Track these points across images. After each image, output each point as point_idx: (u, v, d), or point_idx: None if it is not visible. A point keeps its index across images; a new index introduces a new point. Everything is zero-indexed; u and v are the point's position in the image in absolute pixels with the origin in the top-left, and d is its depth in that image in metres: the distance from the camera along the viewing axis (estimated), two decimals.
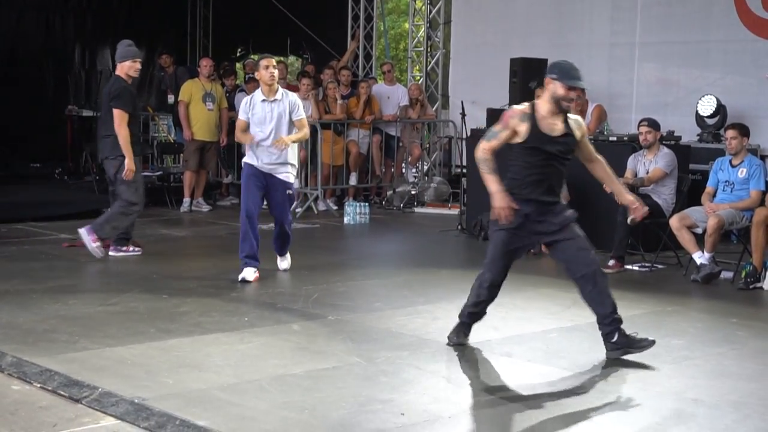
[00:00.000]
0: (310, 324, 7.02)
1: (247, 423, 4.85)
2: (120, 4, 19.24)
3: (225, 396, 5.25)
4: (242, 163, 8.90)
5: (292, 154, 8.81)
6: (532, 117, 6.20)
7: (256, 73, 8.73)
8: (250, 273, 8.49)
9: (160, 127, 16.40)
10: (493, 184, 6.15)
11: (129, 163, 9.46)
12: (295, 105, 8.75)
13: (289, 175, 8.82)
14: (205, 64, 13.92)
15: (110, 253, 9.61)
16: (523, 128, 6.18)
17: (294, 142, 8.75)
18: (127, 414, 4.92)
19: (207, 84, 13.68)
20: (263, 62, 8.67)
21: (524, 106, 6.32)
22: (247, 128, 8.72)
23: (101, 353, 6.04)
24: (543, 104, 6.26)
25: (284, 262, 9.14)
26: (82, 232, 9.38)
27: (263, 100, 8.68)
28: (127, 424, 4.83)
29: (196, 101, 13.45)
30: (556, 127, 6.23)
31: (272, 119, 8.63)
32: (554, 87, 6.22)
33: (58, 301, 7.48)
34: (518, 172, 6.30)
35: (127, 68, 9.65)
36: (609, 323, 6.19)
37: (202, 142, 13.50)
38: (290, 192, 8.94)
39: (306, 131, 8.93)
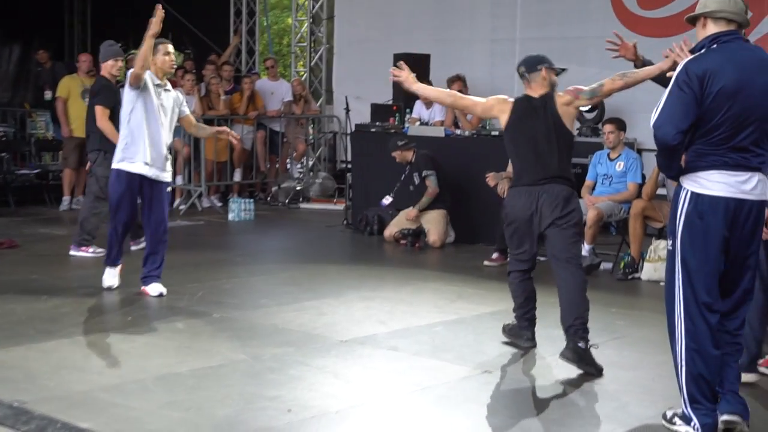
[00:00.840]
0: (195, 322, 6.95)
1: (132, 424, 4.77)
2: None
3: (108, 397, 5.15)
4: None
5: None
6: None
7: (152, 60, 7.81)
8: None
9: (37, 124, 15.98)
10: None
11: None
12: (181, 99, 8.14)
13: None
14: (84, 60, 13.53)
15: (71, 252, 9.56)
16: None
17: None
18: (6, 418, 4.79)
19: (86, 80, 13.35)
20: (162, 47, 7.91)
21: None
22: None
23: None
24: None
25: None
26: (73, 254, 9.51)
27: (158, 85, 7.83)
28: (7, 428, 4.70)
29: (74, 97, 13.13)
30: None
31: (169, 111, 7.88)
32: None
33: None
34: None
35: (110, 67, 9.78)
36: None
37: (81, 138, 13.18)
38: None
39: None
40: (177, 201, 13.70)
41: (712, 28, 4.76)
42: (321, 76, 17.36)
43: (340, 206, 13.33)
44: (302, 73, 17.32)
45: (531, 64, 6.60)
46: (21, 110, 16.59)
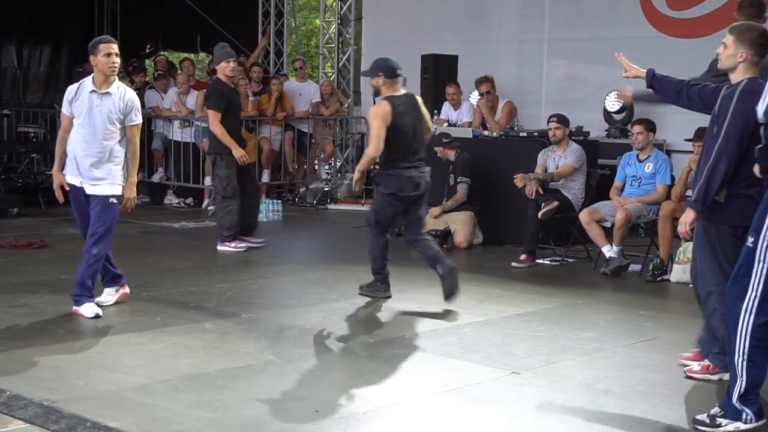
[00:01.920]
0: (223, 322, 6.97)
1: (160, 423, 4.79)
2: (25, 1, 18.84)
3: (137, 397, 5.18)
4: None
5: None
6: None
7: (91, 59, 7.02)
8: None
9: None
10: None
11: (237, 152, 10.00)
12: (132, 107, 7.14)
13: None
14: None
15: (218, 248, 10.12)
16: None
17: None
18: (36, 417, 4.83)
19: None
20: (104, 47, 7.03)
21: None
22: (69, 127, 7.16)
23: (9, 356, 5.91)
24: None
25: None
26: (219, 248, 10.10)
27: (92, 92, 7.07)
28: (37, 428, 4.73)
29: None
30: None
31: (100, 116, 7.04)
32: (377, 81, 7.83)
33: None
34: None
35: (224, 69, 10.11)
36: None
37: None
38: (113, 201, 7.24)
39: (136, 148, 7.25)
40: (206, 202, 13.76)
41: None
42: (349, 77, 17.37)
43: (368, 207, 13.30)
44: (330, 74, 17.34)
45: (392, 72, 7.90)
46: (51, 111, 16.71)
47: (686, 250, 8.59)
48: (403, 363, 6.06)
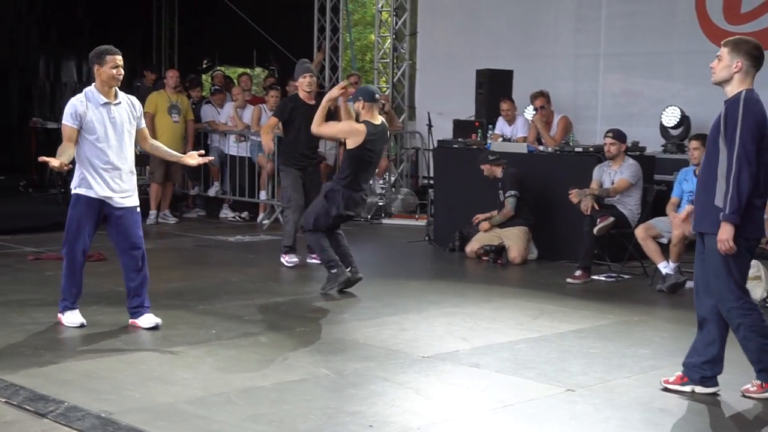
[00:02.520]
0: (278, 336, 7.00)
1: None
2: (85, 16, 19.13)
3: (192, 409, 5.22)
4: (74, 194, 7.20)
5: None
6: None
7: (96, 69, 7.01)
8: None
9: None
10: None
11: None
12: (140, 109, 7.36)
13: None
14: (171, 75, 13.79)
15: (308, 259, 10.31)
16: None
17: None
18: (94, 428, 4.88)
19: (173, 96, 13.59)
20: (111, 59, 6.98)
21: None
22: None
23: (67, 367, 6.00)
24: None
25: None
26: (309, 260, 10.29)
27: (105, 104, 7.06)
28: None
29: (161, 113, 13.36)
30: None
31: (120, 127, 7.11)
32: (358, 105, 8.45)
33: (23, 315, 7.41)
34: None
35: (300, 84, 10.28)
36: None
37: None
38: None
39: (155, 141, 7.90)
40: (261, 215, 13.84)
41: None
42: (403, 92, 17.40)
43: (422, 222, 13.32)
44: (385, 89, 17.37)
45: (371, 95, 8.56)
46: None
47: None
48: (457, 379, 6.04)
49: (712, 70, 5.65)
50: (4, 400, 5.35)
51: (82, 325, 7.06)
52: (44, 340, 6.63)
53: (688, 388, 5.73)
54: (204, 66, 21.28)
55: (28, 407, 5.21)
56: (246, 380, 5.82)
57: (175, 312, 7.70)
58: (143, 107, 12.78)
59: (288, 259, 10.09)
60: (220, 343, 6.72)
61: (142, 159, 14.69)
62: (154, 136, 12.83)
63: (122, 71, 7.05)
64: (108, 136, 7.05)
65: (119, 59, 7.03)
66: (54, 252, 10.21)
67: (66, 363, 6.08)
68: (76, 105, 7.02)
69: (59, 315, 7.17)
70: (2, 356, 6.21)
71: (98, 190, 7.06)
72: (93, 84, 7.10)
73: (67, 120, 7.02)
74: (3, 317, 7.32)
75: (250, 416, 5.14)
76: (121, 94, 7.20)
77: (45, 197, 15.18)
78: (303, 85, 10.16)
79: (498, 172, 10.84)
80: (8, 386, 5.50)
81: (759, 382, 5.67)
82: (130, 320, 7.18)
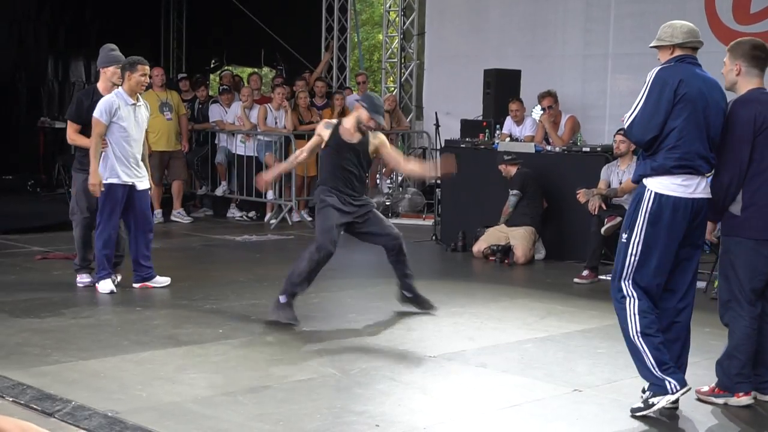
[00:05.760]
0: (285, 335, 7.00)
1: None
2: (93, 16, 19.15)
3: (199, 409, 5.22)
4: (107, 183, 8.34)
5: None
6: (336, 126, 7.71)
7: (127, 75, 8.28)
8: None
9: None
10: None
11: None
12: (147, 113, 8.64)
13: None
14: (156, 74, 13.20)
15: None
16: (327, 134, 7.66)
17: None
18: (101, 427, 4.89)
19: (161, 93, 13.44)
20: (141, 68, 8.31)
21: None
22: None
23: (74, 366, 6.00)
24: (349, 120, 7.78)
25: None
26: None
27: (131, 105, 8.37)
28: None
29: (153, 113, 13.18)
30: (353, 137, 7.64)
31: (141, 124, 8.52)
32: (360, 113, 7.63)
33: (30, 314, 7.43)
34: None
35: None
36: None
37: (161, 153, 13.29)
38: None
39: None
40: (268, 215, 13.85)
41: (678, 53, 5.52)
42: (411, 91, 17.40)
43: (429, 222, 13.32)
44: (392, 88, 17.38)
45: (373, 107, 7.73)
46: None
47: None
48: (464, 379, 6.04)
49: (725, 77, 5.69)
50: (11, 399, 5.36)
51: (111, 292, 8.25)
52: (51, 340, 6.64)
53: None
54: (212, 66, 21.30)
55: (35, 406, 5.22)
56: (253, 380, 5.83)
57: (182, 311, 7.72)
58: None
59: None
60: (227, 343, 6.72)
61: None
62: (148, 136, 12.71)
63: (148, 80, 8.47)
64: (134, 132, 8.35)
65: (147, 69, 8.39)
66: (61, 251, 10.25)
67: (73, 362, 6.09)
68: (111, 103, 8.23)
69: (96, 285, 8.34)
70: (9, 355, 6.22)
71: (125, 178, 8.30)
72: (119, 87, 8.34)
73: (102, 116, 8.19)
74: (10, 317, 7.34)
75: (257, 415, 5.14)
76: (140, 98, 8.46)
77: (52, 197, 15.21)
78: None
79: (512, 171, 10.84)
80: (15, 385, 5.52)
81: None
82: (142, 283, 8.51)
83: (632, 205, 5.42)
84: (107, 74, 8.71)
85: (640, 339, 5.30)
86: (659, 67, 5.55)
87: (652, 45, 5.69)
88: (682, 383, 5.26)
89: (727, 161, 5.43)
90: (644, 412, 5.26)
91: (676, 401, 5.28)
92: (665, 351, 5.31)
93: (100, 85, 8.71)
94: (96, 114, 8.21)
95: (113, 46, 8.96)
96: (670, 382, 5.21)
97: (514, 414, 5.34)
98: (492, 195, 11.11)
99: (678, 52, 5.53)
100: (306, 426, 5.00)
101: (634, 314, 5.34)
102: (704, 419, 5.36)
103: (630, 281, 5.38)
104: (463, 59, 15.31)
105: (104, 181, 8.24)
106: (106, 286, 8.29)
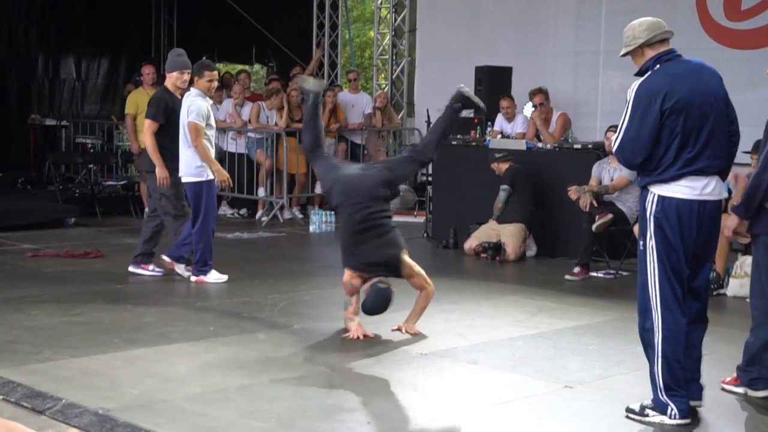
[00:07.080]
0: (276, 333, 7.00)
1: None
2: (83, 13, 19.10)
3: (190, 406, 5.21)
4: (200, 180, 8.76)
5: None
6: None
7: (196, 80, 8.85)
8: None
9: (124, 136, 16.27)
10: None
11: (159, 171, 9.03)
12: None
13: None
14: (147, 72, 12.78)
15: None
16: None
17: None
18: (92, 425, 4.88)
19: (152, 92, 13.34)
20: (208, 74, 8.78)
21: None
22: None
23: (65, 364, 5.99)
24: None
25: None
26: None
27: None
28: None
29: (143, 111, 13.08)
30: None
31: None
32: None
33: (21, 312, 7.40)
34: None
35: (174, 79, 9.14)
36: None
37: None
38: None
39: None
40: (259, 213, 13.84)
41: (650, 53, 5.34)
42: (402, 88, 17.40)
43: (421, 219, 13.32)
44: (384, 85, 17.37)
45: None
46: (108, 122, 16.95)
47: (743, 263, 8.48)
48: (456, 376, 6.04)
49: None
50: (1, 397, 5.35)
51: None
52: (42, 337, 6.62)
53: (741, 390, 5.74)
54: None
55: (25, 404, 5.21)
56: (244, 377, 5.82)
57: (173, 309, 7.71)
58: (126, 108, 12.61)
59: None
60: (218, 340, 6.71)
61: (130, 156, 14.65)
62: (135, 137, 12.46)
63: (216, 84, 9.02)
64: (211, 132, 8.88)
65: (216, 74, 8.89)
66: (52, 249, 10.23)
67: (64, 360, 6.07)
68: (206, 106, 8.72)
69: (202, 278, 8.73)
70: (0, 353, 6.20)
71: (210, 174, 8.74)
72: (192, 88, 8.81)
73: (200, 120, 8.63)
74: (1, 314, 7.31)
75: (248, 413, 5.13)
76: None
77: (43, 194, 15.14)
78: (178, 81, 9.19)
79: (504, 168, 10.84)
80: (6, 383, 5.50)
81: None
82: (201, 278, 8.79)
83: (640, 211, 5.28)
84: (172, 78, 9.07)
85: (659, 358, 5.11)
86: (639, 81, 5.28)
87: (621, 54, 5.53)
88: (684, 413, 5.08)
89: None
90: (637, 419, 5.16)
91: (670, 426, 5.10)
92: (680, 372, 5.11)
93: (170, 88, 9.12)
94: (193, 118, 8.62)
95: (181, 51, 9.21)
96: (672, 409, 5.08)
97: (505, 411, 5.34)
98: (483, 192, 11.10)
99: (649, 53, 5.32)
100: (297, 423, 5.00)
101: (660, 336, 5.16)
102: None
103: (657, 297, 5.24)
104: (455, 56, 15.30)
105: (203, 179, 8.68)
106: (218, 276, 8.83)
